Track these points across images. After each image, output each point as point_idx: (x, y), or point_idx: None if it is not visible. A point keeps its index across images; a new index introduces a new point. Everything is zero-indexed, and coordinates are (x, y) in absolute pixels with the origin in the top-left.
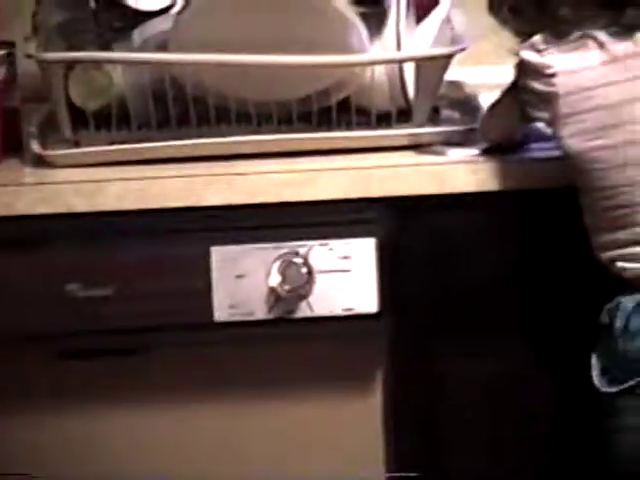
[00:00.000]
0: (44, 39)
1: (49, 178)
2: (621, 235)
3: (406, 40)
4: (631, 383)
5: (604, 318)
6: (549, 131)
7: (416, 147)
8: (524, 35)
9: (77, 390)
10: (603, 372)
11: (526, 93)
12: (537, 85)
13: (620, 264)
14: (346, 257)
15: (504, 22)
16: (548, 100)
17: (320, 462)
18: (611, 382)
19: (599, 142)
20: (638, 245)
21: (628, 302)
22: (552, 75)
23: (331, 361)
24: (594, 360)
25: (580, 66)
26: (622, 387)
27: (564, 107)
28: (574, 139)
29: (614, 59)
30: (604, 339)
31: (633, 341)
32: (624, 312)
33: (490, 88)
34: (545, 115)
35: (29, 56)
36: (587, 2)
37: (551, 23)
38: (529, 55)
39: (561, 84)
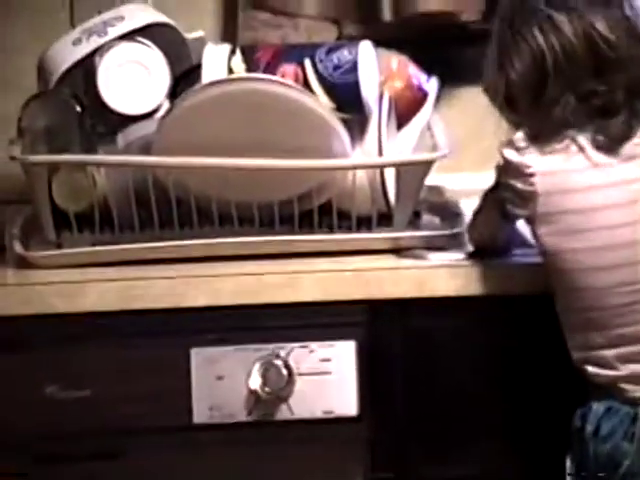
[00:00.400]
0: (29, 142)
1: (31, 279)
2: (596, 337)
3: (387, 145)
4: None
5: (576, 422)
6: (530, 234)
7: (397, 250)
8: (516, 124)
9: None
10: (577, 475)
11: (507, 191)
12: (517, 183)
13: (592, 369)
14: (326, 359)
15: (500, 108)
16: (527, 199)
17: None
18: None
19: (575, 244)
20: (608, 349)
21: (599, 406)
22: (531, 175)
23: (311, 463)
24: (568, 463)
25: (560, 168)
26: None
27: (543, 206)
28: (551, 238)
29: (596, 165)
30: (576, 443)
31: (604, 445)
32: (595, 416)
33: (469, 194)
34: (524, 213)
35: (13, 158)
36: (580, 107)
37: (542, 119)
38: (510, 154)
39: (540, 184)
